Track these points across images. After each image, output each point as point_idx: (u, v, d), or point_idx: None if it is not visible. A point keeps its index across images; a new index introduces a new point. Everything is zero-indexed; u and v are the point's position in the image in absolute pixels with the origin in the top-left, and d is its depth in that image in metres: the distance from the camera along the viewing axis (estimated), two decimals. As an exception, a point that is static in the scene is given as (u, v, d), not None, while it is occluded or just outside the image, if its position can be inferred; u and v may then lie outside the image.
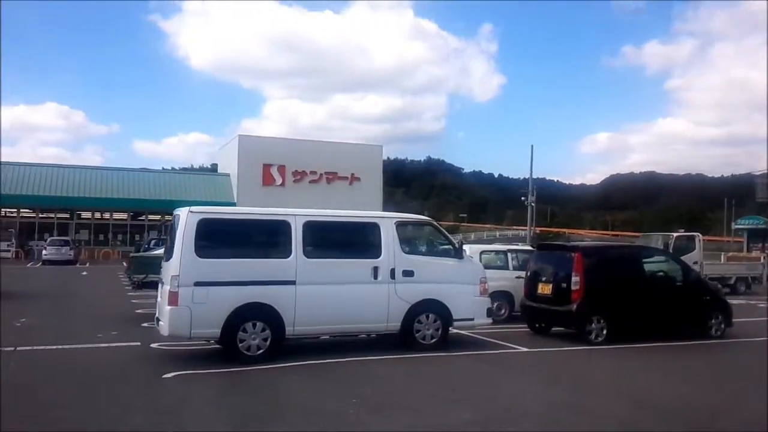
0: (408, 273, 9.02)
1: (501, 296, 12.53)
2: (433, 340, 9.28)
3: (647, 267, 11.50)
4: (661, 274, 11.61)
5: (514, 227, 79.89)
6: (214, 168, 56.83)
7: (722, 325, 11.35)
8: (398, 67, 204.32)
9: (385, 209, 27.61)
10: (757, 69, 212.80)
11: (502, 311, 12.60)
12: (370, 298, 8.84)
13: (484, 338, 10.56)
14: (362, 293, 8.79)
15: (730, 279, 21.32)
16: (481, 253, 13.03)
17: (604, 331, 10.34)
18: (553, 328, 11.19)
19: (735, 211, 48.66)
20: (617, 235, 62.66)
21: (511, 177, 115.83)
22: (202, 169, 77.83)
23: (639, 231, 20.75)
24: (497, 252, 13.53)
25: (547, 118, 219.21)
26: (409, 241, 9.86)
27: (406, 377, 7.83)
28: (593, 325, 10.30)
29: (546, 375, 8.31)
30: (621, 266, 11.08)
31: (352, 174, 44.36)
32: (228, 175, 42.90)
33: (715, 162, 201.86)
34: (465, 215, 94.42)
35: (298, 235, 8.44)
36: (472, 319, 9.65)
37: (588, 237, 67.25)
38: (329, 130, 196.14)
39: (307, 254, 8.50)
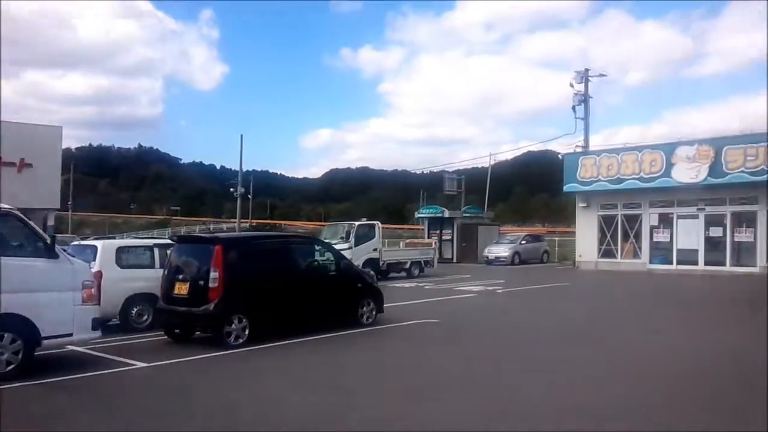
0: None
1: (142, 300, 10.86)
2: (9, 368, 7.16)
3: (298, 257, 11.02)
4: (313, 263, 11.24)
5: (233, 220, 77.46)
6: None
7: (374, 312, 11.49)
8: (106, 45, 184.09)
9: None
10: (456, 79, 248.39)
11: (144, 318, 10.92)
12: None
13: (101, 354, 8.74)
14: None
15: (405, 263, 23.08)
16: (119, 249, 11.11)
17: (246, 332, 9.44)
18: (197, 333, 9.91)
19: (427, 203, 54.29)
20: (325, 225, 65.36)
21: (233, 168, 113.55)
22: None
23: (354, 221, 22.09)
24: (142, 248, 11.69)
25: (272, 111, 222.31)
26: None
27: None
28: (233, 325, 9.31)
29: (143, 400, 6.87)
30: (268, 258, 10.32)
31: (22, 159, 37.14)
32: None
33: (418, 159, 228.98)
34: (178, 208, 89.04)
35: None
36: (71, 335, 7.79)
37: (304, 228, 69.07)
38: (22, 111, 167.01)
39: None
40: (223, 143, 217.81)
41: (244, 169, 50.32)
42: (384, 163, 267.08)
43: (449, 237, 32.26)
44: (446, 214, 32.89)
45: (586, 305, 15.02)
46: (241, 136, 45.94)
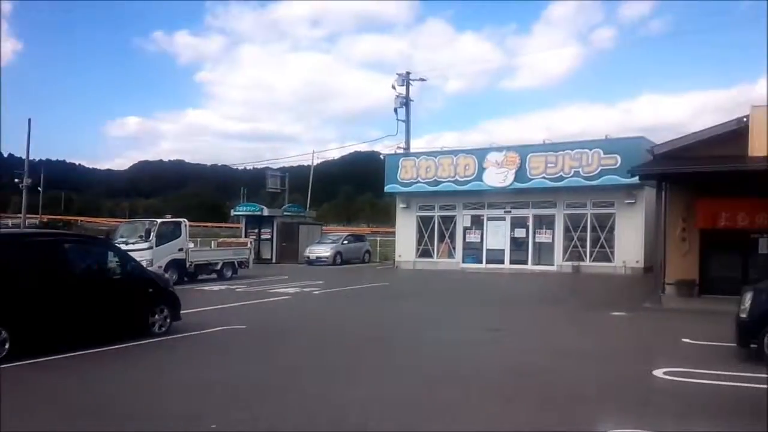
0: None
1: None
2: None
3: (75, 258, 9.37)
4: (93, 266, 9.66)
5: (19, 215, 67.85)
6: None
7: (168, 320, 10.19)
8: None
9: None
10: (281, 73, 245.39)
11: None
12: None
13: None
14: None
15: (217, 264, 21.57)
16: None
17: (7, 345, 7.73)
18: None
19: (249, 200, 52.32)
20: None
21: (23, 157, 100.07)
22: None
23: (161, 217, 20.17)
24: None
25: (72, 95, 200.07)
26: None
27: None
28: (-11, 340, 7.50)
29: None
30: (35, 259, 8.63)
31: None
32: None
33: (240, 155, 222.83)
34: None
35: None
36: None
37: (106, 225, 62.74)
38: None
39: None
40: (13, 128, 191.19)
41: (38, 158, 44.22)
42: (202, 156, 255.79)
43: (268, 236, 31.18)
44: (265, 212, 31.77)
45: (403, 305, 15.05)
46: (29, 120, 39.74)
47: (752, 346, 8.02)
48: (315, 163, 44.68)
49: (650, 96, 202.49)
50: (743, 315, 8.12)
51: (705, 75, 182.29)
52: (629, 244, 22.34)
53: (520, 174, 23.91)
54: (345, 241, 31.03)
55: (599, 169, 22.21)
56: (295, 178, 47.16)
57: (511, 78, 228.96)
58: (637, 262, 22.13)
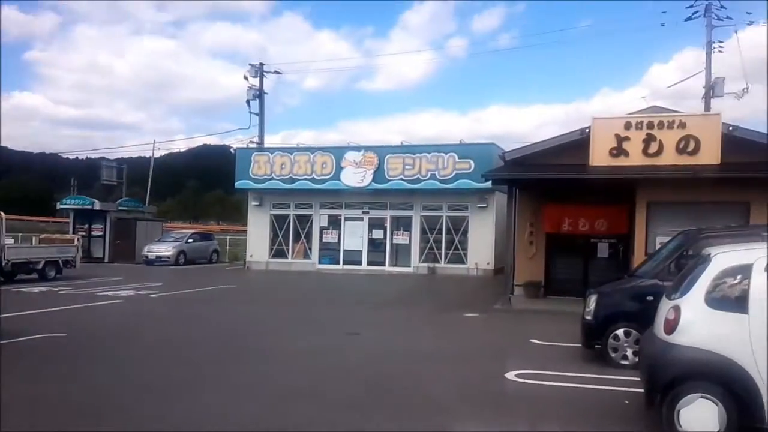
0: None
1: None
2: None
3: None
4: None
5: None
6: None
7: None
8: None
9: None
10: (120, 56, 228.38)
11: None
12: None
13: None
14: None
15: (38, 263, 19.19)
16: None
17: None
18: None
19: (81, 193, 47.79)
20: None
21: None
22: None
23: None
24: None
25: None
26: None
27: None
28: None
29: None
30: None
31: None
32: None
33: (72, 143, 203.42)
34: None
35: None
36: None
37: None
38: None
39: None
40: None
41: None
42: (29, 143, 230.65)
43: (101, 233, 28.50)
44: (97, 206, 28.96)
45: (253, 309, 14.24)
46: None
47: (596, 346, 8.44)
48: (159, 155, 41.87)
49: (499, 107, 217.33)
50: (588, 317, 8.52)
51: (548, 90, 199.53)
52: (481, 247, 23.37)
53: (378, 175, 24.03)
54: (190, 240, 29.22)
55: (454, 173, 22.96)
56: (136, 171, 43.81)
57: (369, 80, 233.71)
58: (488, 264, 23.21)
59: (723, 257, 5.37)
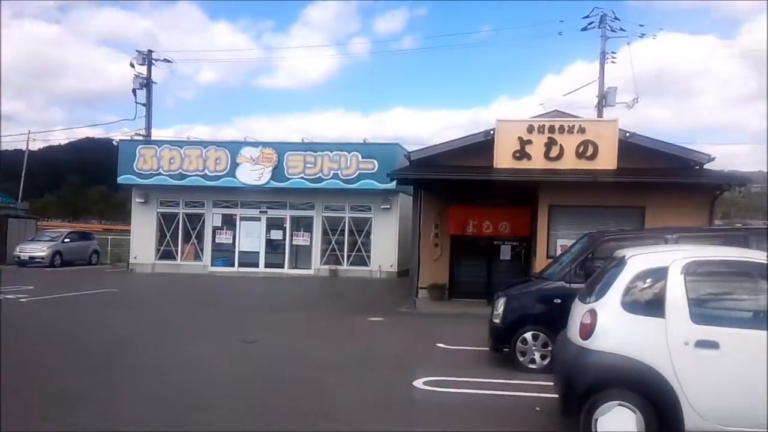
0: None
1: None
2: None
3: None
4: None
5: None
6: None
7: None
8: None
9: None
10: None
11: None
12: None
13: None
14: None
15: None
16: None
17: None
18: None
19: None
20: None
21: None
22: None
23: None
24: None
25: None
26: None
27: None
28: None
29: None
30: None
31: None
32: None
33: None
34: None
35: None
36: None
37: None
38: None
39: None
40: None
41: None
42: None
43: (-38, 231, 25.64)
44: (-40, 200, 26.12)
45: (135, 315, 13.12)
46: None
47: (504, 350, 8.36)
48: (38, 148, 38.46)
49: (402, 109, 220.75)
50: (496, 320, 8.43)
51: (449, 95, 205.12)
52: (384, 249, 23.23)
53: (278, 172, 23.28)
54: (67, 239, 26.97)
55: (358, 173, 22.66)
56: (10, 164, 40.08)
57: (269, 75, 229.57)
58: (391, 266, 23.11)
59: (638, 260, 5.34)
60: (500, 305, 8.43)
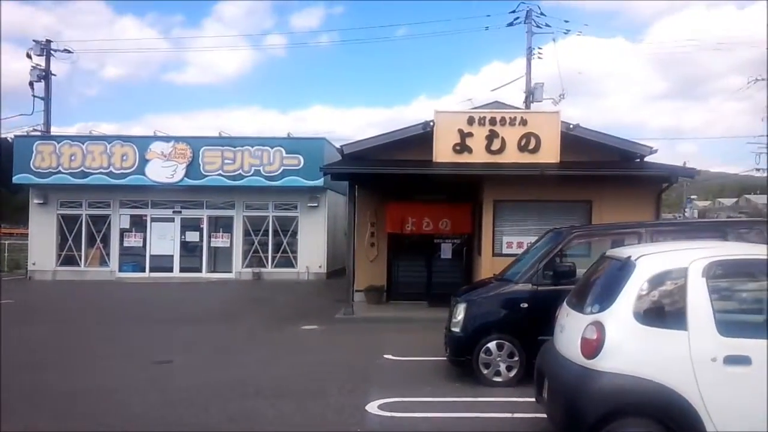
0: None
1: None
2: None
3: None
4: None
5: None
6: None
7: None
8: None
9: None
10: None
11: None
12: None
13: None
14: None
15: None
16: None
17: None
18: None
19: None
20: None
21: None
22: None
23: None
24: None
25: None
26: None
27: None
28: None
29: None
30: None
31: None
32: None
33: None
34: None
35: None
36: None
37: None
38: None
39: None
40: None
41: None
42: None
43: None
44: None
45: (34, 331, 11.25)
46: None
47: (466, 359, 7.40)
48: None
49: (322, 107, 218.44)
50: (455, 329, 7.49)
51: (369, 93, 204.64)
52: (312, 249, 21.92)
53: (193, 169, 21.48)
54: (-48, 246, 23.96)
55: (282, 169, 21.23)
56: None
57: (180, 71, 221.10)
58: (320, 267, 21.84)
59: (650, 261, 4.51)
60: (460, 311, 7.49)
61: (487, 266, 12.22)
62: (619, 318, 4.31)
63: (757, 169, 35.43)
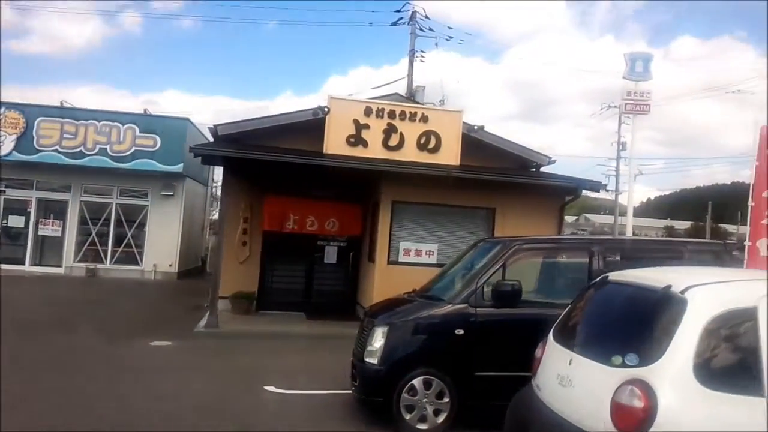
0: None
1: None
2: None
3: None
4: None
5: None
6: None
7: None
8: None
9: None
10: None
11: None
12: None
13: None
14: None
15: None
16: None
17: None
18: None
19: None
20: None
21: None
22: None
23: None
24: None
25: None
26: None
27: None
28: None
29: None
30: None
31: None
32: None
33: None
34: None
35: None
36: None
37: None
38: None
39: None
40: None
41: None
42: None
43: None
44: None
45: None
46: None
47: (381, 399, 5.82)
48: None
49: (176, 92, 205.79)
50: (371, 360, 5.88)
51: (230, 83, 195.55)
52: (163, 245, 19.07)
53: (24, 142, 17.89)
54: None
55: (133, 150, 18.26)
56: None
57: (19, 39, 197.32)
58: (170, 265, 19.05)
59: (706, 295, 3.24)
60: (378, 337, 5.90)
61: (380, 275, 10.79)
62: (676, 377, 2.99)
63: (606, 191, 37.61)
